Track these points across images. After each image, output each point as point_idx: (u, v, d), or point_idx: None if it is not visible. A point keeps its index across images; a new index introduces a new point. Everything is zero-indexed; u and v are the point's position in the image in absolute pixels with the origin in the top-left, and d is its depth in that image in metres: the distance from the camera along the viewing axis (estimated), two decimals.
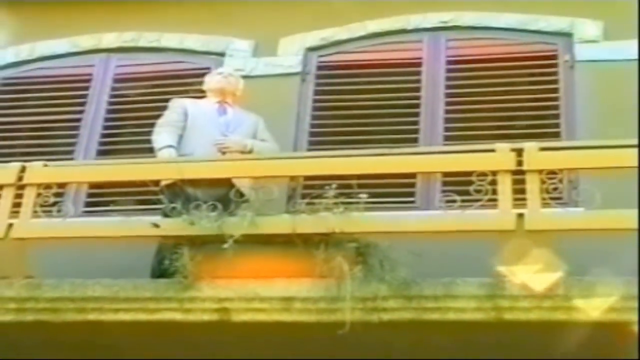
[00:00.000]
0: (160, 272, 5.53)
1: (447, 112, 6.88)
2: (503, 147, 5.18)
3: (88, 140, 7.31)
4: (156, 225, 5.24)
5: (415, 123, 6.86)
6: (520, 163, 5.07)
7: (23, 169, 5.66)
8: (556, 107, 6.75)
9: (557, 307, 4.77)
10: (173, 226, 5.18)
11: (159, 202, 6.04)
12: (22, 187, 5.61)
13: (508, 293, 4.83)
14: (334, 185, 5.06)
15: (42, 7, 7.73)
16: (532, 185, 4.98)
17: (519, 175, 5.04)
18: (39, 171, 5.71)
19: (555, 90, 6.83)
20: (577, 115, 6.64)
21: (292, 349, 5.21)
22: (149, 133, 6.63)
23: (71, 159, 7.09)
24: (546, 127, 6.60)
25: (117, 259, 5.73)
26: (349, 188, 5.18)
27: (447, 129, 6.79)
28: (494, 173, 5.05)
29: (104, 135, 7.37)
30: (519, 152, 5.09)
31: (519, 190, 5.00)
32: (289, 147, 6.74)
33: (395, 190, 6.30)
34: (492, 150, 5.19)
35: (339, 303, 4.91)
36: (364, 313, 4.86)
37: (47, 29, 7.80)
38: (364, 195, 5.08)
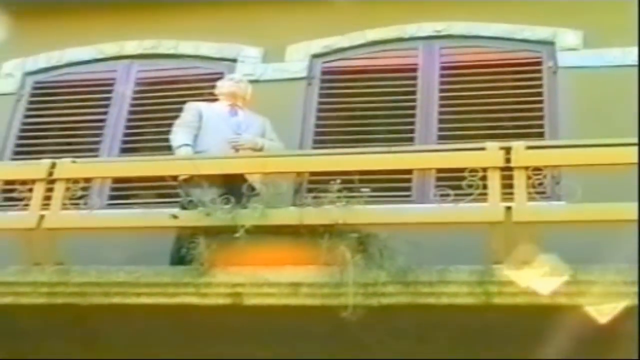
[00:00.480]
0: (179, 259, 5.52)
1: (441, 113, 6.86)
2: (492, 145, 5.16)
3: (112, 139, 7.30)
4: (175, 217, 5.24)
5: (412, 124, 6.84)
6: (508, 160, 5.05)
7: (53, 165, 5.64)
8: (540, 109, 6.74)
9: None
10: (190, 217, 5.16)
11: (175, 195, 6.09)
12: (52, 181, 5.59)
13: (497, 279, 4.83)
14: (338, 181, 5.05)
15: (70, 17, 7.71)
16: (519, 180, 4.97)
17: (507, 172, 5.03)
18: (68, 167, 5.69)
19: (540, 94, 6.81)
20: (560, 117, 6.62)
21: (299, 330, 5.19)
22: (167, 132, 6.63)
23: (96, 156, 7.08)
24: (531, 128, 6.58)
25: (138, 247, 5.72)
26: (351, 183, 5.17)
27: (440, 129, 6.78)
28: (485, 169, 5.03)
29: (126, 135, 7.35)
30: (507, 150, 5.07)
31: (507, 185, 4.99)
32: (295, 145, 6.74)
33: (393, 185, 6.29)
34: (483, 149, 5.17)
35: (342, 288, 4.90)
36: (365, 297, 4.84)
37: (74, 38, 7.78)
38: (366, 190, 5.09)
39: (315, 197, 5.11)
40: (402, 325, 5.04)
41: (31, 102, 7.76)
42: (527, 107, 6.77)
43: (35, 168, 5.70)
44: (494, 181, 5.00)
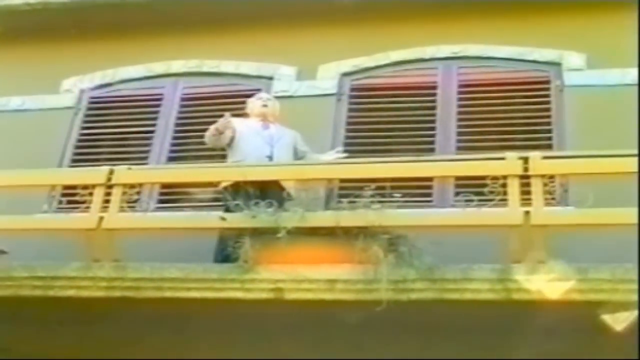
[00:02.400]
0: (223, 257, 5.48)
1: (459, 126, 6.79)
2: (511, 155, 5.10)
3: (160, 149, 7.25)
4: (223, 219, 5.18)
5: (432, 136, 6.77)
6: (526, 169, 4.99)
7: (111, 172, 5.61)
8: (549, 124, 6.66)
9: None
10: (237, 219, 5.11)
11: (217, 200, 6.06)
12: (110, 186, 5.56)
13: (515, 277, 4.77)
14: (372, 187, 5.01)
15: (122, 39, 7.69)
16: (537, 187, 4.92)
17: (525, 180, 4.99)
18: (124, 173, 5.66)
19: (548, 110, 6.74)
20: (566, 131, 6.54)
21: (334, 322, 5.13)
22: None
23: (145, 164, 7.02)
24: (540, 140, 6.50)
25: (184, 246, 5.68)
26: (382, 189, 5.13)
27: (459, 141, 6.71)
28: (505, 177, 4.98)
29: (173, 145, 7.29)
30: (525, 160, 5.02)
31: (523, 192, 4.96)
32: None
33: (415, 192, 6.22)
34: (503, 159, 5.12)
35: (374, 284, 4.87)
36: (395, 293, 4.81)
37: (127, 57, 7.77)
38: (398, 195, 5.03)
39: (350, 202, 5.05)
40: (428, 319, 4.97)
41: (87, 115, 7.73)
42: (537, 122, 6.69)
43: (95, 174, 5.66)
44: (514, 188, 4.94)
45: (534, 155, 5.06)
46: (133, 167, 5.81)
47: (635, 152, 4.95)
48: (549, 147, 6.41)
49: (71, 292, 5.37)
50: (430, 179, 6.26)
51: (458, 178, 6.15)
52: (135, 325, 5.46)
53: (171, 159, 7.18)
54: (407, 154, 6.38)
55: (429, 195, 6.37)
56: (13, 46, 7.94)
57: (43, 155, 7.28)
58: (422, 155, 6.19)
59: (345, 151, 6.68)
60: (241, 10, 7.52)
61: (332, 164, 5.88)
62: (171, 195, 6.84)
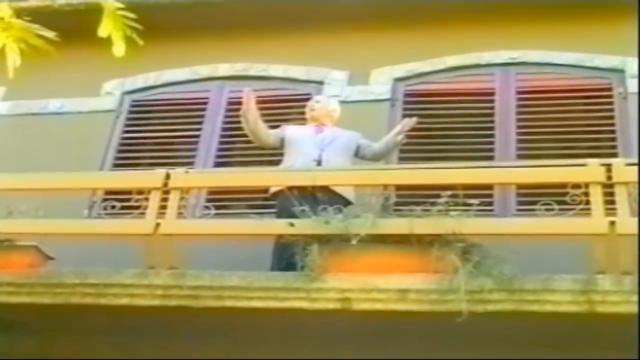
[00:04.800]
0: (284, 266, 5.30)
1: (518, 134, 6.62)
2: (593, 162, 4.92)
3: (206, 154, 7.08)
4: (292, 225, 4.98)
5: (491, 143, 6.60)
6: (610, 177, 4.81)
7: (168, 176, 5.42)
8: (613, 132, 6.50)
9: None
10: (306, 226, 4.91)
11: (264, 207, 5.89)
12: (167, 191, 5.37)
13: (600, 288, 4.59)
14: (448, 194, 4.82)
15: (167, 41, 7.49)
16: (621, 195, 4.73)
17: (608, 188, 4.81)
18: (182, 177, 5.47)
19: (612, 117, 6.57)
20: (632, 138, 6.36)
21: (405, 335, 4.94)
22: (258, 148, 6.45)
23: (191, 169, 6.83)
24: (604, 148, 6.33)
25: (242, 253, 5.51)
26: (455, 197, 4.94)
27: (518, 148, 6.54)
28: (587, 185, 4.80)
29: (220, 150, 7.13)
30: (608, 167, 4.83)
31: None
32: (380, 162, 6.44)
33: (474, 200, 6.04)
34: (584, 165, 4.93)
35: (449, 295, 4.67)
36: (471, 304, 4.58)
37: (171, 60, 7.62)
38: (475, 202, 4.84)
39: (424, 210, 4.86)
40: (506, 332, 4.77)
41: (129, 119, 7.57)
42: (600, 129, 6.53)
43: (151, 178, 5.47)
44: (597, 196, 4.75)
45: (617, 162, 4.88)
46: (190, 170, 5.62)
47: None
48: (614, 155, 6.19)
49: (125, 301, 5.18)
50: (490, 186, 6.08)
51: (520, 186, 6.01)
52: (192, 335, 5.28)
53: (218, 164, 7.01)
54: (465, 160, 6.23)
55: (490, 204, 6.16)
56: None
57: (83, 159, 7.13)
58: (481, 162, 6.02)
59: (400, 158, 6.54)
60: (290, 12, 7.37)
61: (400, 169, 5.66)
62: (220, 202, 6.64)
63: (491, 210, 6.14)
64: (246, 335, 5.20)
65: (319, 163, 5.94)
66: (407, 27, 7.21)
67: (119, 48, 4.04)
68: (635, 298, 4.49)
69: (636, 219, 4.65)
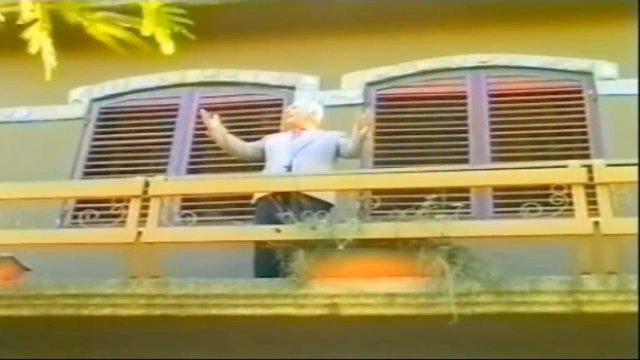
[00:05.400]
0: (267, 272, 5.26)
1: (492, 137, 6.67)
2: (574, 163, 5.00)
3: (178, 161, 7.01)
4: (278, 231, 4.96)
5: (465, 146, 6.64)
6: (591, 178, 4.88)
7: (147, 183, 5.37)
8: (585, 133, 6.58)
9: (629, 301, 4.60)
10: (293, 231, 4.90)
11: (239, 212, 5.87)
12: (147, 198, 5.32)
13: (586, 288, 4.67)
14: (433, 197, 4.86)
15: (135, 47, 7.41)
16: (603, 196, 4.81)
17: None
18: (161, 185, 5.44)
19: (583, 119, 6.66)
20: (603, 140, 6.47)
21: (394, 339, 4.95)
22: (231, 155, 6.42)
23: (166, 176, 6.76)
24: (577, 150, 6.38)
25: (223, 261, 5.50)
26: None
27: (492, 151, 6.59)
28: (569, 186, 4.87)
29: (192, 156, 7.06)
30: (589, 168, 4.91)
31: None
32: (356, 166, 6.41)
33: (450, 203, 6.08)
34: (565, 167, 5.00)
35: (437, 298, 4.71)
36: (459, 307, 4.63)
37: (139, 66, 7.46)
38: (459, 205, 4.88)
39: (409, 213, 4.88)
40: (495, 334, 4.81)
41: (98, 126, 7.45)
42: (572, 131, 6.61)
43: (130, 186, 5.42)
44: (580, 197, 4.82)
45: (598, 162, 4.97)
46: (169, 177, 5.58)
47: None
48: (587, 156, 6.25)
49: (107, 311, 5.14)
50: (467, 189, 6.13)
51: (496, 189, 6.08)
52: (177, 344, 5.23)
53: (191, 171, 6.94)
54: (440, 163, 6.27)
55: (467, 207, 6.19)
56: (16, 55, 7.63)
57: (53, 168, 6.97)
58: (460, 165, 6.09)
59: (375, 162, 6.56)
60: (260, 18, 7.33)
61: (383, 173, 5.66)
62: (193, 209, 6.59)
63: (468, 213, 6.19)
64: (232, 343, 5.18)
65: (289, 169, 5.92)
66: (377, 32, 7.21)
67: (167, 46, 3.90)
68: (632, 297, 4.58)
69: (624, 219, 4.75)
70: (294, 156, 6.01)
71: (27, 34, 3.67)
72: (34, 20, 3.56)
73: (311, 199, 5.48)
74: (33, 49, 3.65)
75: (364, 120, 5.91)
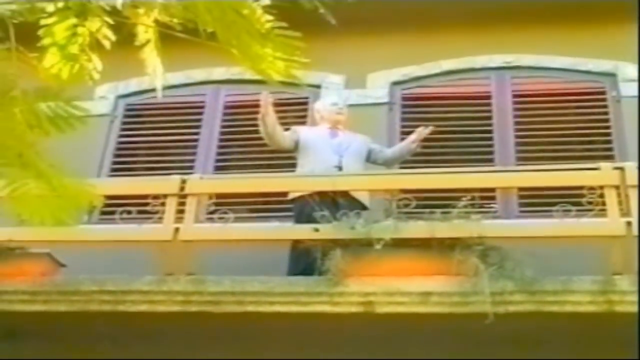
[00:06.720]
0: (302, 270, 5.38)
1: (517, 137, 6.80)
2: (606, 165, 5.12)
3: (205, 158, 7.12)
4: (317, 230, 5.08)
5: (490, 146, 6.77)
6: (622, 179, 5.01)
7: (184, 181, 5.49)
8: (608, 134, 6.71)
9: None
10: (331, 231, 5.02)
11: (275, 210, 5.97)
12: (184, 196, 5.44)
13: (618, 289, 4.79)
14: (467, 197, 4.99)
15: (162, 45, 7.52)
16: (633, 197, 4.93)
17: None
18: (198, 183, 5.56)
19: (607, 120, 6.79)
20: (627, 141, 6.58)
21: (427, 337, 5.07)
22: (256, 152, 6.54)
23: (191, 173, 6.86)
24: (600, 151, 6.54)
25: (258, 259, 5.61)
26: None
27: (518, 151, 6.72)
28: (601, 187, 4.99)
29: (219, 154, 7.17)
30: (622, 170, 5.03)
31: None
32: (381, 166, 6.55)
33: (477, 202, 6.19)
34: (597, 169, 5.12)
35: (470, 297, 4.84)
36: (492, 305, 4.74)
37: (164, 64, 7.53)
38: (495, 206, 5.00)
39: (443, 212, 5.00)
40: (527, 332, 4.93)
41: (124, 123, 7.57)
42: (596, 132, 6.74)
43: (167, 184, 5.53)
44: (612, 198, 4.94)
45: (629, 165, 5.09)
46: (205, 176, 5.69)
47: None
48: (611, 157, 6.42)
49: (144, 307, 5.24)
50: (492, 189, 6.25)
51: (521, 189, 6.19)
52: (213, 340, 5.34)
53: (217, 169, 7.06)
54: (463, 165, 6.36)
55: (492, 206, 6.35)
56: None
57: (81, 165, 7.00)
58: (474, 166, 6.16)
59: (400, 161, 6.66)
60: (285, 16, 7.39)
61: (423, 173, 5.75)
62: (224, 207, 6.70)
63: (494, 212, 6.33)
64: (268, 339, 5.29)
65: (340, 169, 6.01)
66: (402, 32, 7.31)
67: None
68: None
69: None
70: (341, 156, 6.09)
71: (143, 54, 3.72)
72: (147, 41, 3.61)
73: (350, 199, 5.60)
74: (149, 69, 3.71)
75: (422, 134, 6.07)
